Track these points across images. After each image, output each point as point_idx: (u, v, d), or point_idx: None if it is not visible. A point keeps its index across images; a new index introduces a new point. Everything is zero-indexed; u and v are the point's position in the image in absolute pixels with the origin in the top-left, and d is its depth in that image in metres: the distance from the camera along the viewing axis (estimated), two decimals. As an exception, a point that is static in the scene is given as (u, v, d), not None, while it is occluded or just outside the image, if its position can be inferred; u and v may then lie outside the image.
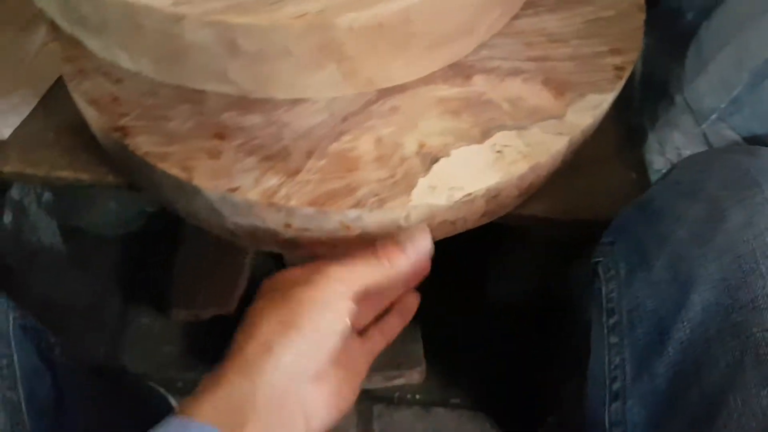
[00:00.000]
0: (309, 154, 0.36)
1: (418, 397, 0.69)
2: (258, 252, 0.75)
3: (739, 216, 0.30)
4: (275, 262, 0.75)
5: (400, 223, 0.36)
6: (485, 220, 0.40)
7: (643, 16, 0.42)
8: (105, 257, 0.75)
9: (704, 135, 0.40)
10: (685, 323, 0.29)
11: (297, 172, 0.35)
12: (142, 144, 0.35)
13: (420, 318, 0.71)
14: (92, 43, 0.37)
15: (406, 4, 0.33)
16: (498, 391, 0.69)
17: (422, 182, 0.36)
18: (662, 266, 0.31)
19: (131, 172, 0.39)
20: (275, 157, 0.36)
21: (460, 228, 0.39)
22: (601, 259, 0.36)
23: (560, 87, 0.39)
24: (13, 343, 0.34)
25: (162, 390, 0.70)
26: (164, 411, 0.68)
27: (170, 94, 0.37)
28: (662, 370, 0.29)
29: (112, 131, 0.35)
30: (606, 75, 0.39)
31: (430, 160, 0.36)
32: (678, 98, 0.41)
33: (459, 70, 0.40)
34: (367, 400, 0.69)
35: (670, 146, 0.41)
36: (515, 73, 0.40)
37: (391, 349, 0.68)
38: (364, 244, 0.37)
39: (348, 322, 0.30)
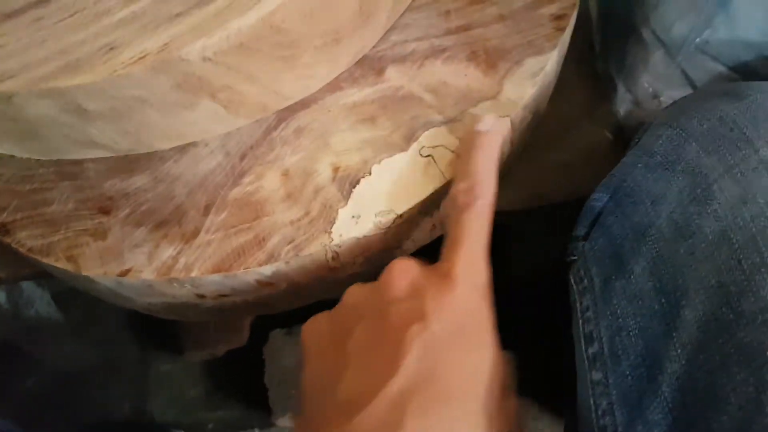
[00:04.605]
0: (207, 209, 0.31)
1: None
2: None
3: (731, 190, 0.23)
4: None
5: (330, 266, 0.31)
6: (440, 232, 0.34)
7: (578, -56, 0.34)
8: (110, 313, 0.73)
9: (682, 71, 0.32)
10: (678, 351, 0.22)
11: (195, 234, 0.30)
12: (25, 240, 0.31)
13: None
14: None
15: (263, 13, 0.27)
16: (534, 372, 0.63)
17: (343, 213, 0.30)
18: (642, 272, 0.24)
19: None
20: (168, 221, 0.30)
21: (411, 248, 0.34)
22: (574, 258, 0.29)
23: (490, 58, 0.32)
24: None
25: (194, 435, 0.69)
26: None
27: (48, 174, 0.33)
28: (658, 416, 0.22)
29: (-10, 232, 0.31)
30: (543, 30, 0.32)
31: (349, 183, 0.30)
32: (645, 32, 0.33)
33: (368, 66, 0.33)
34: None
35: (643, 92, 0.33)
36: (434, 53, 0.33)
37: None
38: (293, 293, 0.32)
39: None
